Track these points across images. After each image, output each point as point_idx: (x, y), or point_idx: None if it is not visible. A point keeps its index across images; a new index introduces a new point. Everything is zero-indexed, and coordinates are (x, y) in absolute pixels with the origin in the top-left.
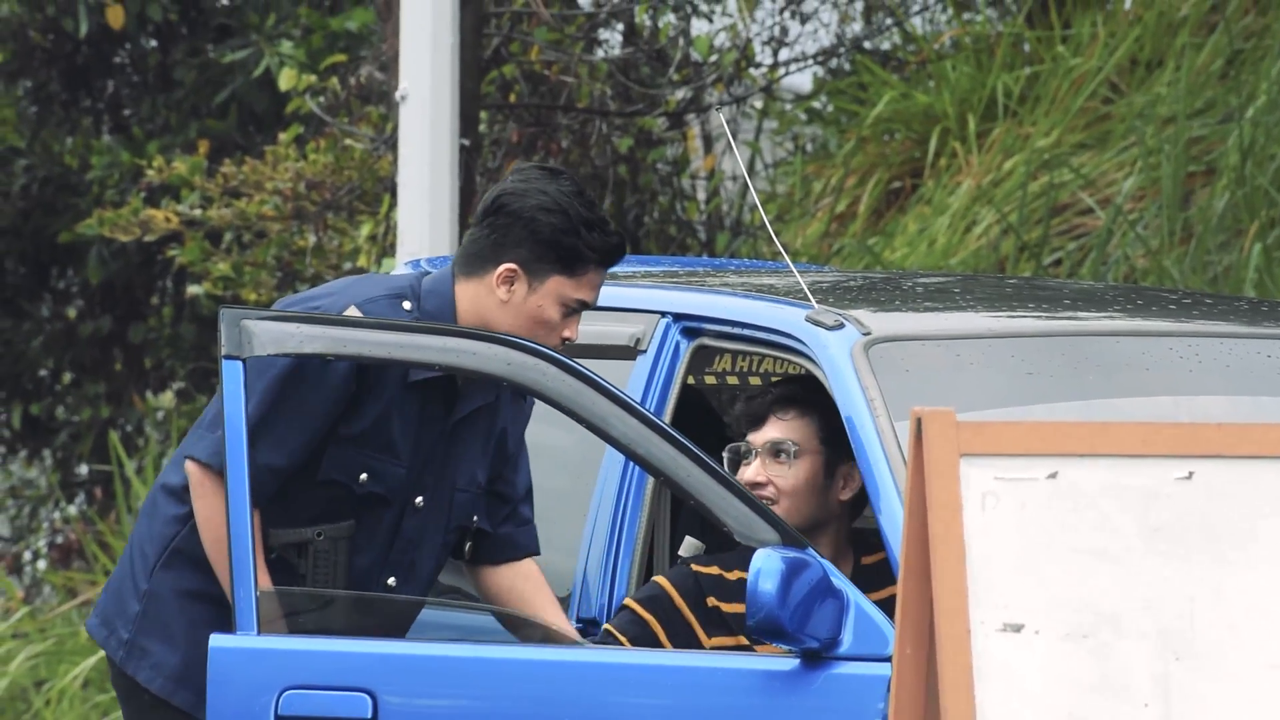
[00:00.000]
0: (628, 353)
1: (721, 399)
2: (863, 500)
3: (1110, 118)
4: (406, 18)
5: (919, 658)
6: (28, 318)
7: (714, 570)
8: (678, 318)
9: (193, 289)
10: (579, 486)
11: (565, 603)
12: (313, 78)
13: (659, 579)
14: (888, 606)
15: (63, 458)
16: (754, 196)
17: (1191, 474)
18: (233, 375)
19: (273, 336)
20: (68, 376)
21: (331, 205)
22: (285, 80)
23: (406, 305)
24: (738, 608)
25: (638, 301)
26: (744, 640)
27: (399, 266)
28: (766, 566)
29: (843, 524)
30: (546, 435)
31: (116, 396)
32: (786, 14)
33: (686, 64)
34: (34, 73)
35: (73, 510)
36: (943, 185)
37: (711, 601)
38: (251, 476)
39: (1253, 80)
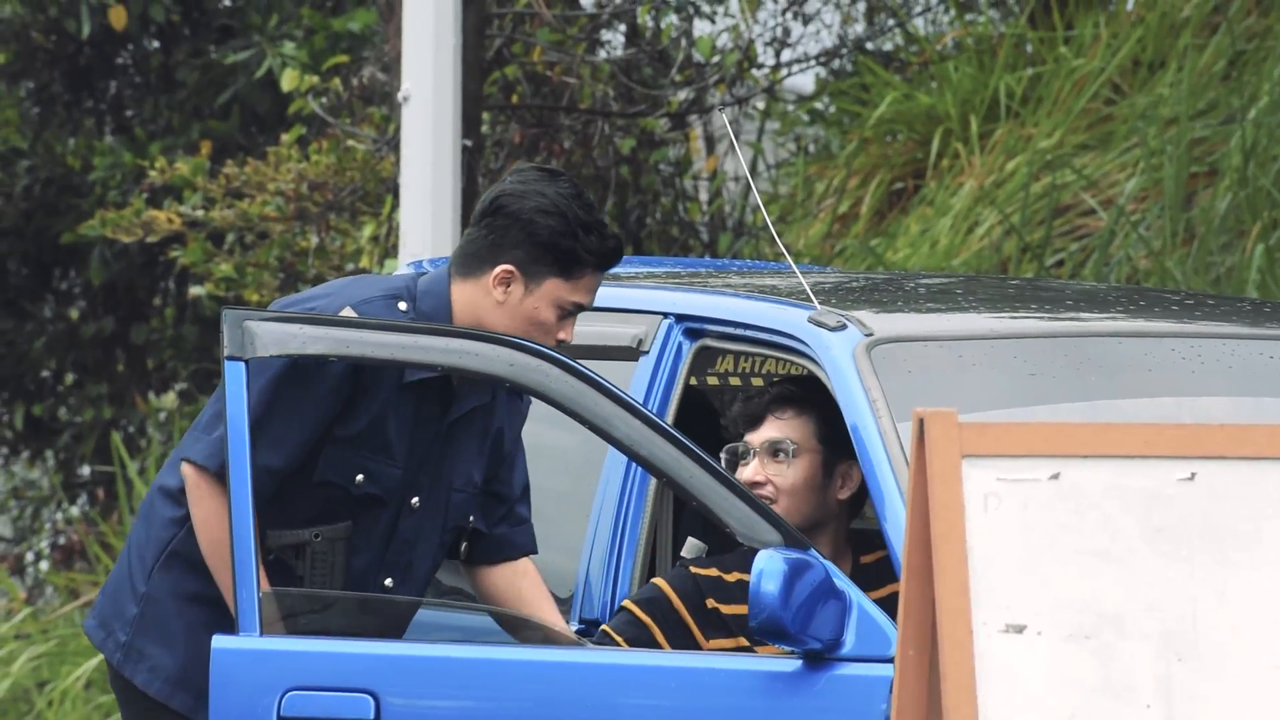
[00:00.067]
0: (630, 354)
1: (724, 400)
2: (861, 499)
3: (1113, 119)
4: (409, 18)
5: (921, 659)
6: (30, 318)
7: (713, 572)
8: (680, 319)
9: (195, 290)
10: (581, 488)
11: (568, 604)
12: (315, 79)
13: (657, 581)
14: (887, 605)
15: (65, 459)
16: (756, 197)
17: (1194, 475)
18: (235, 376)
19: (276, 338)
20: (70, 377)
21: (334, 206)
22: (287, 81)
23: (402, 306)
24: (737, 609)
25: (640, 302)
26: (744, 641)
27: (401, 267)
28: (769, 568)
29: (841, 523)
30: (549, 436)
31: (119, 397)
32: (789, 15)
33: (689, 65)
34: (36, 74)
35: (75, 511)
36: (945, 186)
37: (711, 603)
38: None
39: (1255, 81)
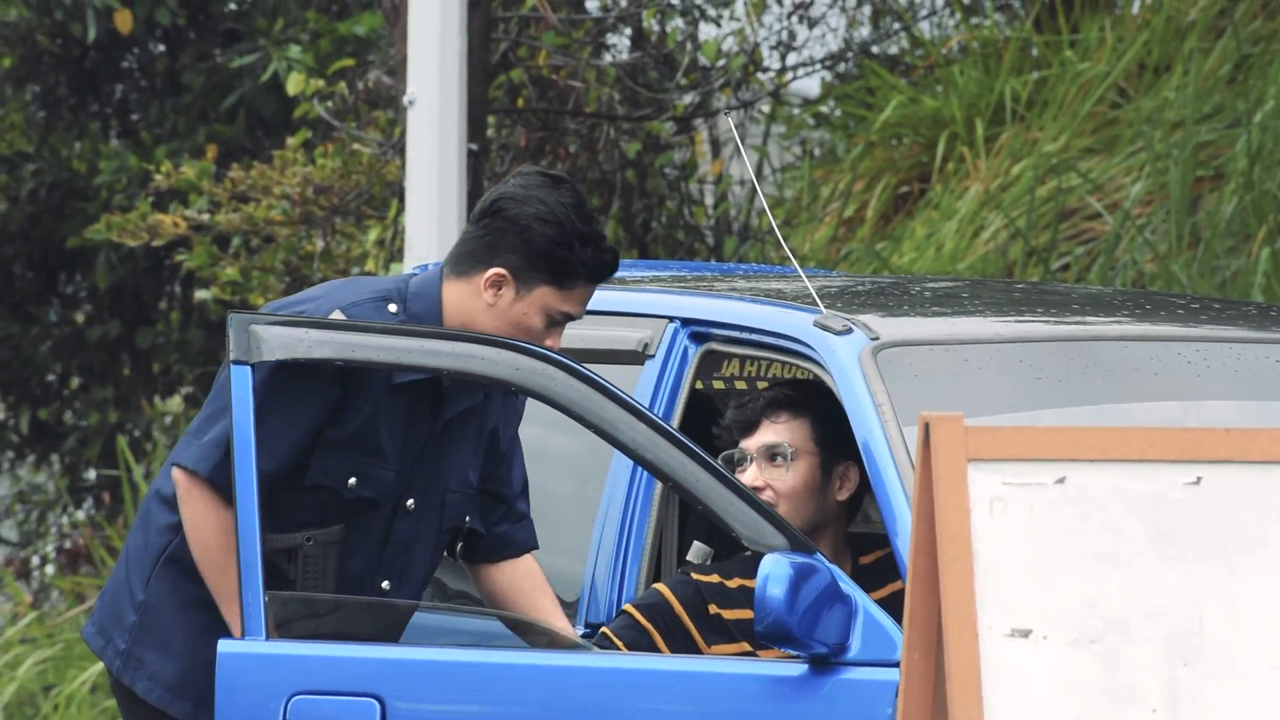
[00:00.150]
0: (636, 357)
1: (729, 404)
2: (859, 500)
3: (1118, 122)
4: (414, 22)
5: (927, 663)
6: (36, 322)
7: (714, 578)
8: (686, 322)
9: (201, 294)
10: (587, 491)
11: (573, 608)
12: (321, 82)
13: (659, 587)
14: (886, 606)
15: (71, 462)
16: (762, 201)
17: (1200, 479)
18: (241, 380)
19: (281, 342)
20: (76, 381)
21: (339, 210)
22: (293, 85)
23: (392, 308)
24: (739, 614)
25: (646, 306)
26: (747, 646)
27: (407, 271)
28: (775, 572)
29: (841, 525)
30: (554, 441)
31: (124, 401)
32: (794, 19)
33: (694, 68)
34: (42, 78)
35: (81, 515)
36: (950, 190)
37: (713, 609)
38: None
39: (1261, 85)
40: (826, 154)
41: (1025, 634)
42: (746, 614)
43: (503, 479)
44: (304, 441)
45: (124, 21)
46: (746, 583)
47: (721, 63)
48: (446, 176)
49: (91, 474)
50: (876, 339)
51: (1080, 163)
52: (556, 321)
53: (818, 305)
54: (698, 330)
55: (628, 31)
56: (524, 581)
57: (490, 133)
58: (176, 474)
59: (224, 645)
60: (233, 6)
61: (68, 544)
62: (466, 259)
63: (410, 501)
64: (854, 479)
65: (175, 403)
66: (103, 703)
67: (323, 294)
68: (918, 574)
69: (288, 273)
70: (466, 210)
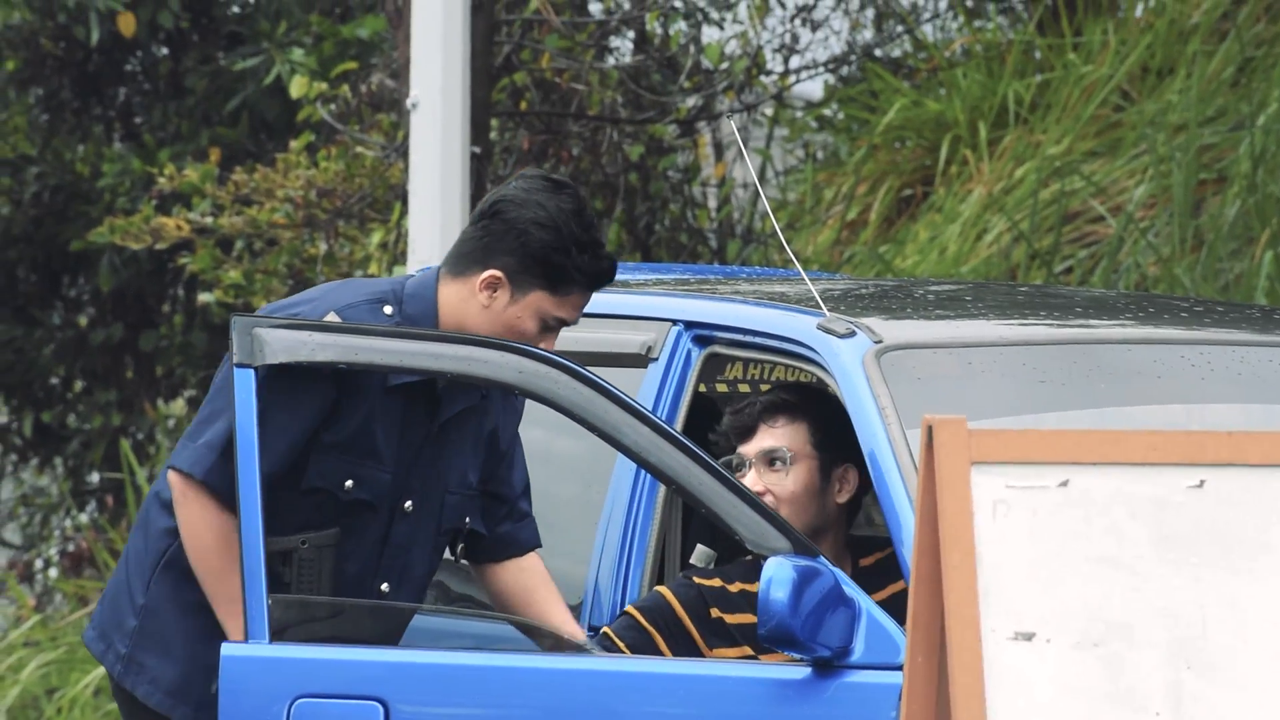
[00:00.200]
0: (639, 361)
1: (725, 410)
2: (859, 501)
3: (1121, 125)
4: (417, 25)
5: (930, 666)
6: (39, 325)
7: (716, 583)
8: (689, 325)
9: (204, 297)
10: (590, 495)
11: (577, 611)
12: (324, 85)
13: (661, 590)
14: (885, 608)
15: (74, 466)
16: (765, 204)
17: (1203, 482)
18: (244, 383)
19: (285, 345)
20: (79, 384)
21: (343, 213)
22: (296, 88)
23: (387, 310)
24: (740, 618)
25: (649, 309)
26: (748, 650)
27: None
28: (778, 575)
29: (841, 527)
30: (558, 443)
31: (128, 404)
32: (797, 21)
33: (697, 71)
34: (45, 80)
35: (84, 518)
36: (954, 193)
37: (715, 612)
38: (234, 484)
39: (1264, 88)
40: (829, 157)
41: (1028, 637)
42: (747, 618)
43: (504, 479)
44: (300, 443)
45: (127, 24)
46: (748, 587)
47: (724, 66)
48: (449, 179)
49: (95, 477)
50: (880, 342)
51: (1083, 166)
52: (550, 326)
53: (821, 308)
54: (701, 333)
55: (631, 34)
56: (529, 580)
57: (493, 136)
58: (172, 477)
59: (228, 648)
60: (236, 9)
61: (71, 547)
62: (463, 259)
63: (408, 503)
64: (853, 480)
65: (178, 406)
66: (106, 706)
67: (318, 296)
68: (921, 577)
69: (291, 276)
70: (469, 214)
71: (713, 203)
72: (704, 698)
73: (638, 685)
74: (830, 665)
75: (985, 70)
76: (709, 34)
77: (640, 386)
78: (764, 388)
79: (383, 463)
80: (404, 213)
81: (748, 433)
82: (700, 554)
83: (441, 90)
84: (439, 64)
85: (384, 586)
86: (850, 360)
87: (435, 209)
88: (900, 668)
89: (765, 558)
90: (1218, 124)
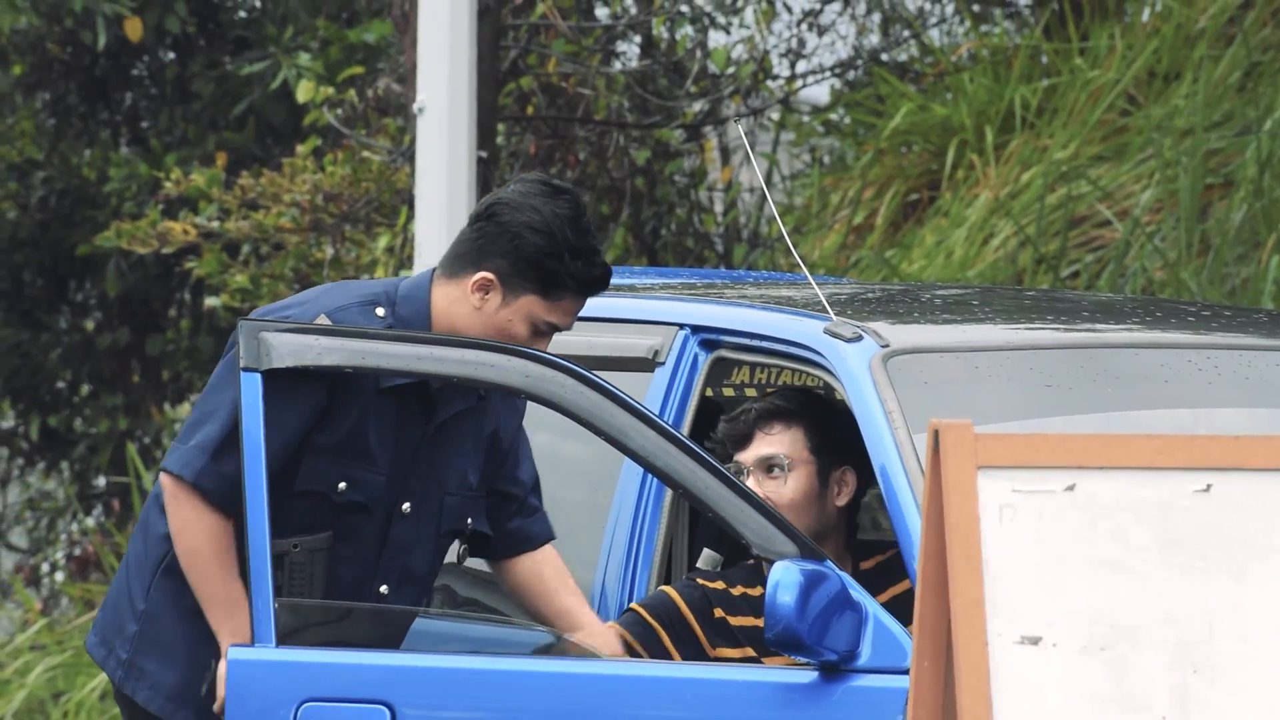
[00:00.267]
0: (646, 365)
1: (720, 417)
2: (858, 504)
3: (1128, 130)
4: (424, 30)
5: (937, 670)
6: (46, 330)
7: (719, 585)
8: (696, 330)
9: (210, 301)
10: (597, 499)
11: None
12: (330, 90)
13: (666, 589)
14: (885, 609)
15: (80, 470)
16: (772, 208)
17: (1209, 486)
18: (251, 388)
19: (291, 349)
20: (85, 388)
21: (349, 217)
22: (303, 92)
23: (380, 312)
24: (744, 621)
25: (656, 313)
26: (750, 651)
27: None
28: (785, 579)
29: (842, 531)
30: (564, 447)
31: (134, 408)
32: (804, 26)
33: (704, 76)
34: (52, 85)
35: (90, 522)
36: (960, 197)
37: (719, 613)
38: (225, 488)
39: (1270, 92)
40: (836, 161)
41: (1035, 641)
42: (748, 621)
43: (510, 477)
44: (291, 444)
45: (134, 29)
46: (749, 591)
47: (731, 70)
48: (456, 184)
49: (101, 481)
50: (886, 346)
51: (1090, 170)
52: (542, 331)
53: (828, 312)
54: (708, 337)
55: (637, 39)
56: (544, 571)
57: (500, 140)
58: (163, 479)
59: (234, 652)
60: (242, 14)
61: (77, 551)
62: (457, 261)
63: (406, 505)
64: (851, 483)
65: (185, 410)
66: (112, 710)
67: (309, 299)
68: (927, 581)
69: (297, 280)
70: None
71: (719, 207)
72: (710, 701)
73: (643, 689)
74: (837, 669)
75: (992, 75)
76: (715, 39)
77: (647, 391)
78: (765, 391)
79: (376, 465)
80: (410, 217)
81: (744, 440)
82: (707, 558)
83: (448, 95)
84: (445, 69)
85: (383, 589)
86: (857, 364)
87: (442, 213)
88: (906, 672)
89: (770, 562)
90: (1224, 129)
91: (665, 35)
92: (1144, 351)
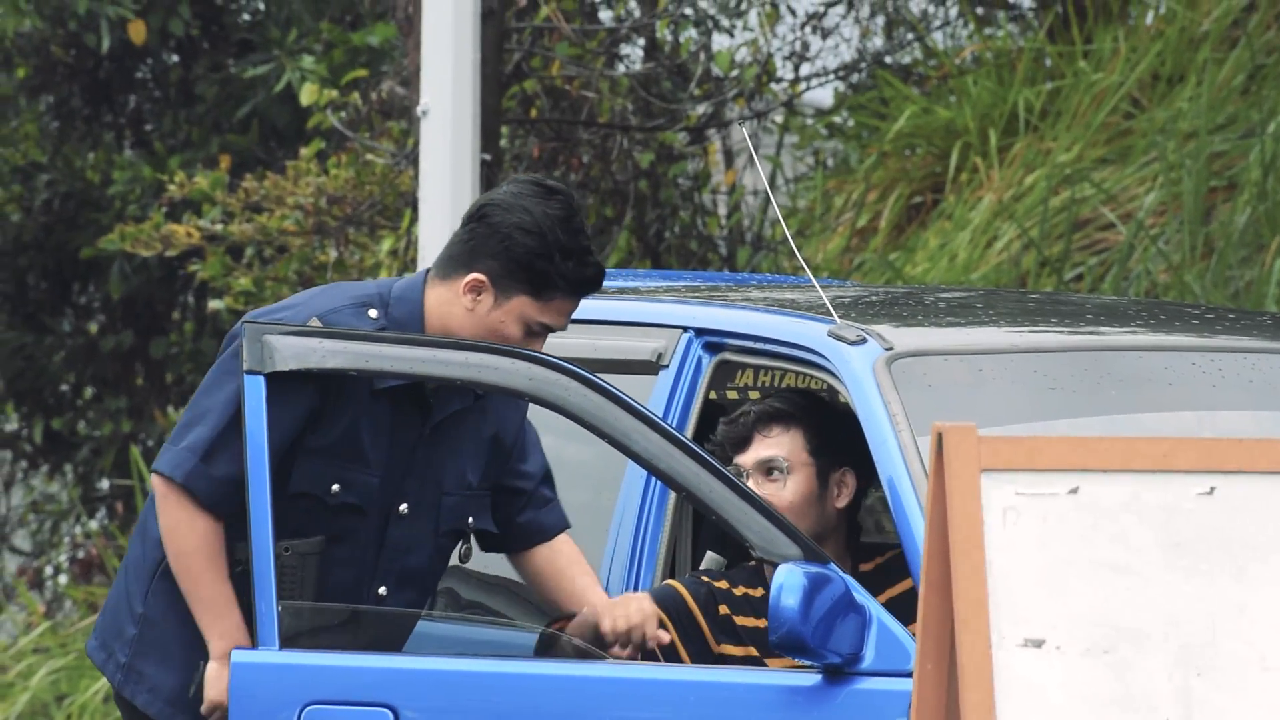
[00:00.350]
0: (650, 368)
1: (719, 420)
2: (858, 505)
3: (1132, 133)
4: (428, 33)
5: (940, 673)
6: (49, 332)
7: (723, 584)
8: (700, 333)
9: (214, 304)
10: (601, 501)
11: None
12: (334, 93)
13: (673, 583)
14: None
15: (84, 473)
16: (775, 211)
17: (1213, 489)
18: (254, 391)
19: (295, 352)
20: (89, 391)
21: (353, 220)
22: (307, 95)
23: (372, 313)
24: (747, 621)
25: (660, 316)
26: (753, 651)
27: None
28: (789, 582)
29: (842, 532)
30: (568, 450)
31: (138, 411)
32: (808, 29)
33: (708, 79)
34: (56, 88)
35: (94, 525)
36: (964, 200)
37: (724, 610)
38: (215, 490)
39: (1274, 95)
40: (840, 164)
41: (1038, 644)
42: (749, 621)
43: (516, 472)
44: (283, 446)
45: (138, 32)
46: (751, 592)
47: (735, 73)
48: (460, 187)
49: (105, 484)
50: (890, 349)
51: (1094, 173)
52: (535, 331)
53: (832, 315)
54: (712, 340)
55: (641, 42)
56: (559, 561)
57: (503, 143)
58: (154, 480)
59: (237, 655)
60: (246, 17)
61: (81, 554)
62: (450, 262)
63: (403, 506)
64: (851, 484)
65: None
66: (115, 713)
67: (301, 302)
68: (931, 584)
69: (301, 283)
70: None
71: (723, 210)
72: (714, 704)
73: (647, 692)
74: (840, 672)
75: (996, 78)
76: (719, 41)
77: (651, 393)
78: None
79: (370, 466)
80: (414, 220)
81: (743, 443)
82: (710, 561)
83: (452, 97)
84: (449, 71)
85: (382, 590)
86: (861, 367)
87: (445, 216)
88: (910, 675)
89: (773, 565)
90: (1228, 131)
91: (669, 38)
92: (1148, 354)
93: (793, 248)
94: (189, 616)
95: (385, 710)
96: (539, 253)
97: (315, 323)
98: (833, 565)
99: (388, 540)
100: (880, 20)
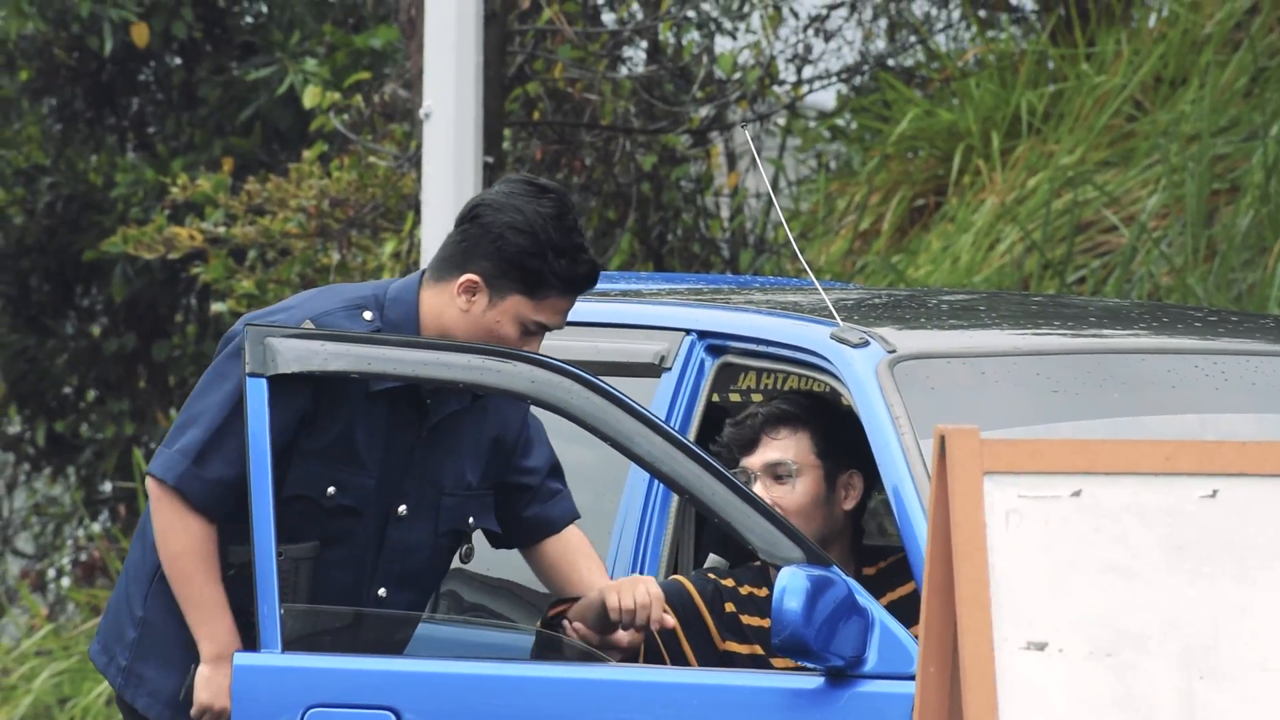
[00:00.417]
0: (652, 370)
1: (726, 422)
2: (864, 508)
3: (1134, 135)
4: (430, 36)
5: (942, 676)
6: (52, 335)
7: (729, 582)
8: (702, 335)
9: (216, 306)
10: (603, 504)
11: None
12: (337, 95)
13: (679, 578)
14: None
15: (87, 475)
16: (778, 213)
17: (1216, 492)
18: (257, 393)
19: (297, 354)
20: (92, 394)
21: (355, 223)
22: (309, 98)
23: (367, 315)
24: (752, 620)
25: (662, 319)
26: (759, 650)
27: None
28: (792, 585)
29: (847, 535)
30: (571, 453)
31: (140, 414)
32: (810, 31)
33: (710, 81)
34: (59, 90)
35: (96, 528)
36: (966, 203)
37: (730, 608)
38: (207, 492)
39: (1277, 98)
40: (842, 167)
41: (1041, 647)
42: (754, 620)
43: (521, 469)
44: (276, 449)
45: (140, 35)
46: (755, 591)
47: (737, 76)
48: (462, 189)
49: (107, 486)
50: (893, 351)
51: (1096, 175)
52: (531, 331)
53: (834, 318)
54: (714, 343)
55: (644, 44)
56: (568, 553)
57: (506, 146)
58: (148, 483)
59: (240, 658)
60: (249, 20)
61: (84, 556)
62: (444, 264)
63: (402, 508)
64: (858, 487)
65: None
66: (117, 715)
67: (295, 304)
68: (933, 586)
69: (303, 285)
70: None
71: (725, 212)
72: (716, 707)
73: (649, 694)
74: (843, 675)
75: (998, 80)
76: (722, 44)
77: (653, 396)
78: (771, 397)
79: (365, 468)
80: (417, 222)
81: (750, 445)
82: (713, 563)
83: (454, 100)
84: (452, 74)
85: (381, 591)
86: (863, 370)
87: (448, 219)
88: (913, 677)
89: (777, 567)
90: (1231, 134)
91: (672, 40)
92: (1150, 357)
93: (795, 250)
94: None
95: (388, 713)
96: (531, 252)
97: (309, 325)
98: (835, 568)
99: (387, 542)
100: (883, 23)
